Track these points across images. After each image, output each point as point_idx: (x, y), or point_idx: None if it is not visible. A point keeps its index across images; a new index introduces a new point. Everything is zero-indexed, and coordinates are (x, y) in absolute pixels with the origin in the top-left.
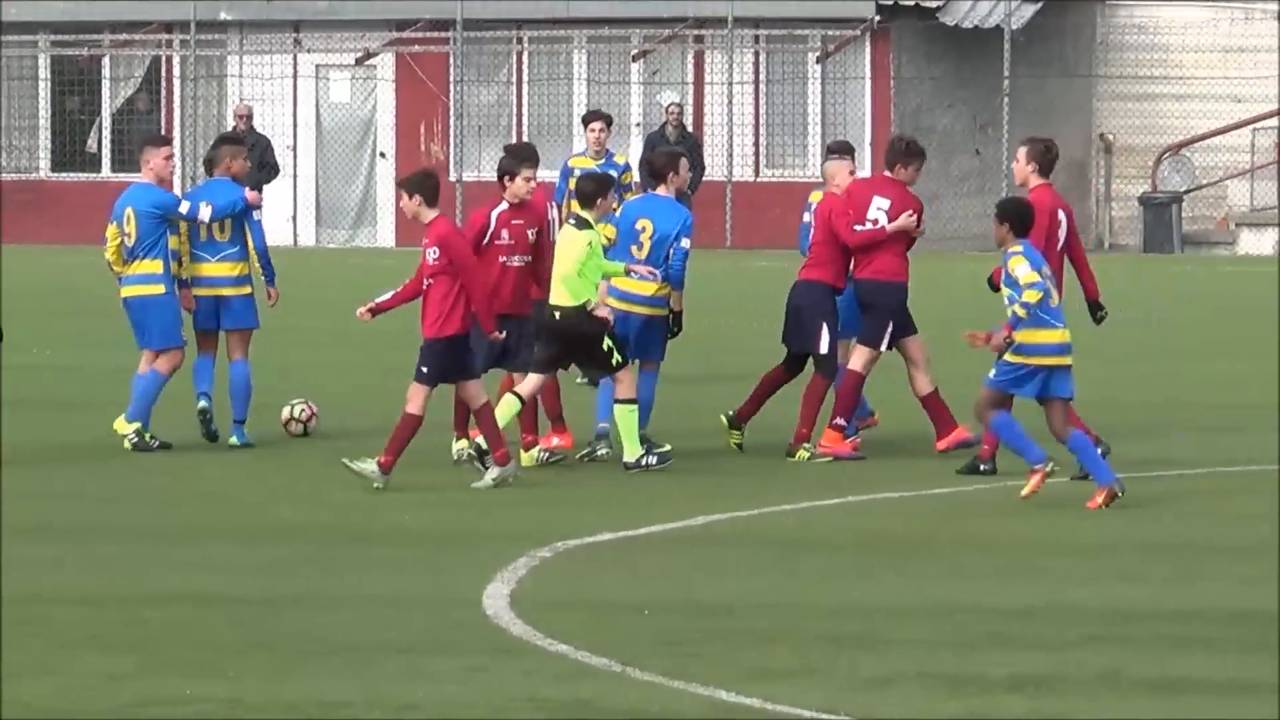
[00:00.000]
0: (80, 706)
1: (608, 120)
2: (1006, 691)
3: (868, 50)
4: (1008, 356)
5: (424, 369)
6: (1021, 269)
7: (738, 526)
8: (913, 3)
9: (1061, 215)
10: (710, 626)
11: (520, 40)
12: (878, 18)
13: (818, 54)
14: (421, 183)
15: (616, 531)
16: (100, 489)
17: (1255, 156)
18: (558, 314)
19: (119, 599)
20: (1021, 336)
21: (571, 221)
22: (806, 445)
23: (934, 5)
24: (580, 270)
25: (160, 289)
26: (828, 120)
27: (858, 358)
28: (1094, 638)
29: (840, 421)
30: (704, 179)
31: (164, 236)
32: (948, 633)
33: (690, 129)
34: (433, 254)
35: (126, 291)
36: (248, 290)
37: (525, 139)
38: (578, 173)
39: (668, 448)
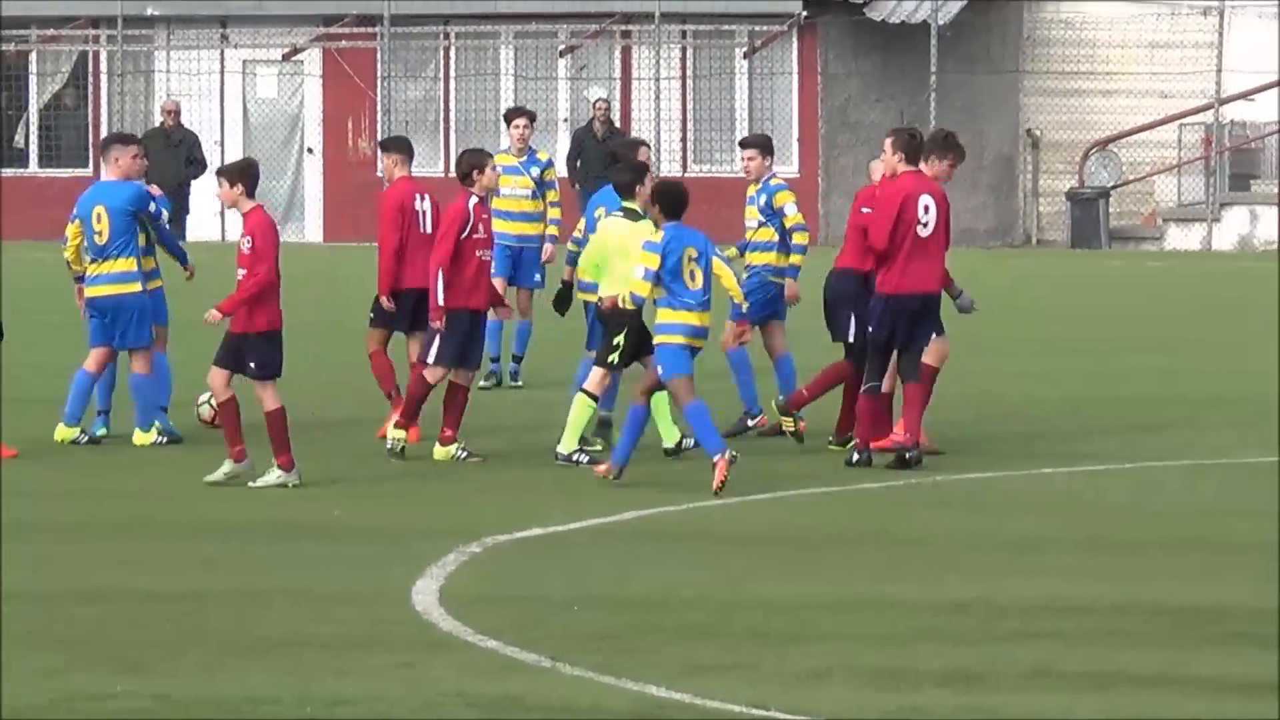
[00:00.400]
0: (10, 703)
1: (531, 117)
2: (937, 686)
3: (795, 46)
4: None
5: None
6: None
7: (668, 521)
8: None
9: (927, 201)
10: (640, 622)
11: (447, 36)
12: (805, 13)
13: (745, 49)
14: (242, 172)
15: (546, 527)
16: (30, 486)
17: (1182, 152)
18: (604, 303)
19: (48, 595)
20: (662, 316)
21: (619, 213)
22: (798, 416)
23: (861, 1)
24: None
25: (136, 287)
26: (755, 116)
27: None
28: (1024, 632)
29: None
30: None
31: (135, 234)
32: (878, 627)
33: (618, 124)
34: (246, 243)
35: (95, 291)
36: (158, 284)
37: (453, 135)
38: (502, 170)
39: (599, 447)
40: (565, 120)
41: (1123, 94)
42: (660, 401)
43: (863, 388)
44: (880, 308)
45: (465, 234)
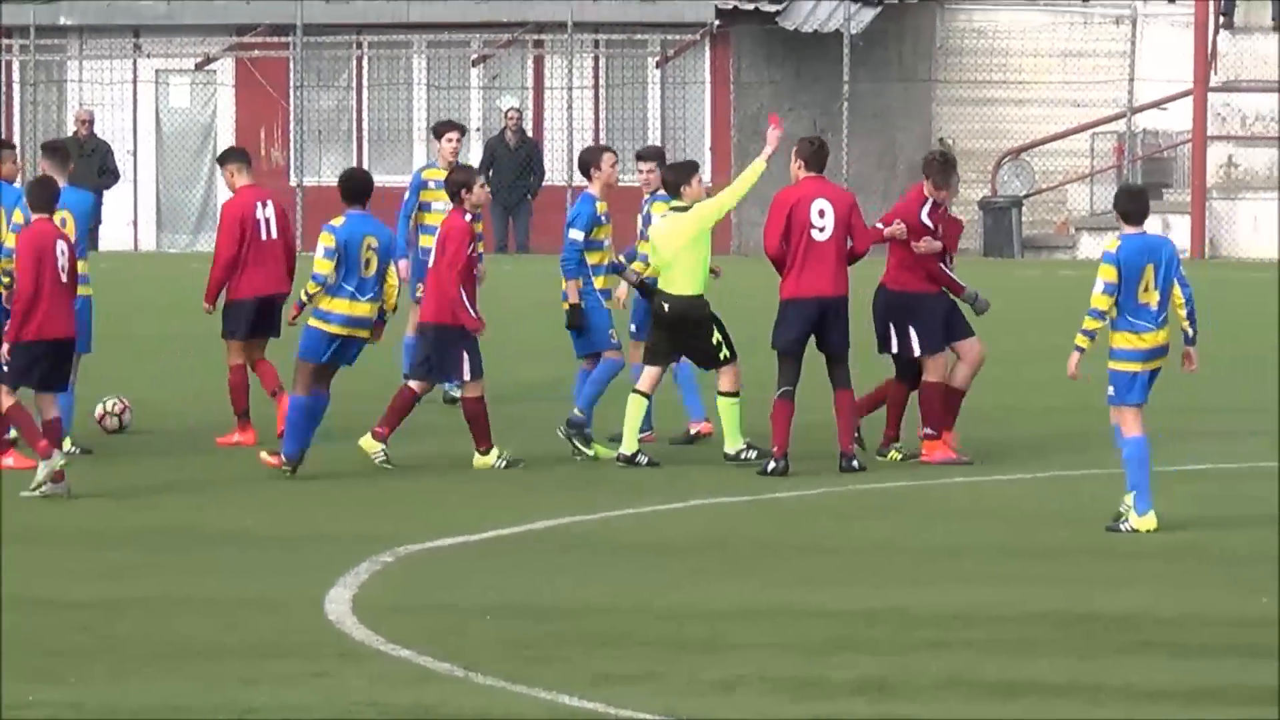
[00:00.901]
0: None
1: (462, 130)
2: (849, 695)
3: (707, 55)
4: None
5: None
6: None
7: (580, 530)
8: (752, 7)
9: (822, 206)
10: (553, 631)
11: (360, 45)
12: (717, 22)
13: (657, 59)
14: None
15: (458, 536)
16: None
17: (1095, 161)
18: (668, 304)
19: None
20: None
21: (671, 213)
22: (897, 445)
23: (773, 10)
24: (695, 260)
25: (90, 290)
26: (667, 125)
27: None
28: (937, 641)
29: (929, 431)
30: (544, 184)
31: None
32: (790, 637)
33: (530, 134)
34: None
35: None
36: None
37: (365, 144)
38: (431, 185)
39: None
40: (478, 130)
41: (1035, 103)
42: (727, 408)
43: (776, 393)
44: (781, 313)
45: (470, 252)
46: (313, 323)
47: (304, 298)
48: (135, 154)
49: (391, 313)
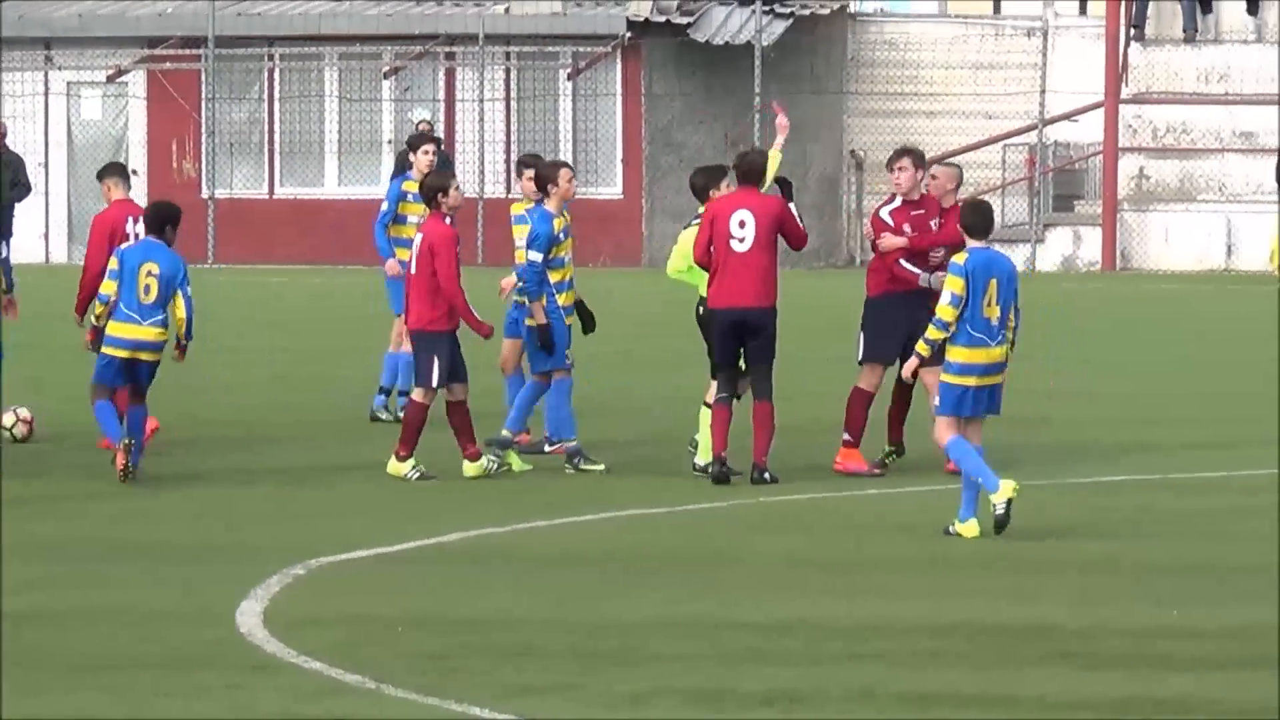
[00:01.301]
0: None
1: (438, 143)
2: (761, 706)
3: (619, 67)
4: None
5: None
6: None
7: (493, 542)
8: (664, 19)
9: (743, 216)
10: (465, 643)
11: (272, 57)
12: (629, 34)
13: (569, 71)
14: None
15: (370, 548)
16: None
17: (1006, 173)
18: (703, 309)
19: None
20: None
21: (696, 222)
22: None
23: (685, 22)
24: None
25: None
26: (579, 137)
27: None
28: (849, 653)
29: (847, 438)
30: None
31: None
32: (703, 648)
33: (442, 146)
34: None
35: None
36: None
37: (277, 156)
38: (410, 197)
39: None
40: (389, 142)
41: (947, 115)
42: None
43: (714, 399)
44: (710, 322)
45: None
46: (103, 348)
47: (94, 320)
48: (46, 167)
49: (186, 338)
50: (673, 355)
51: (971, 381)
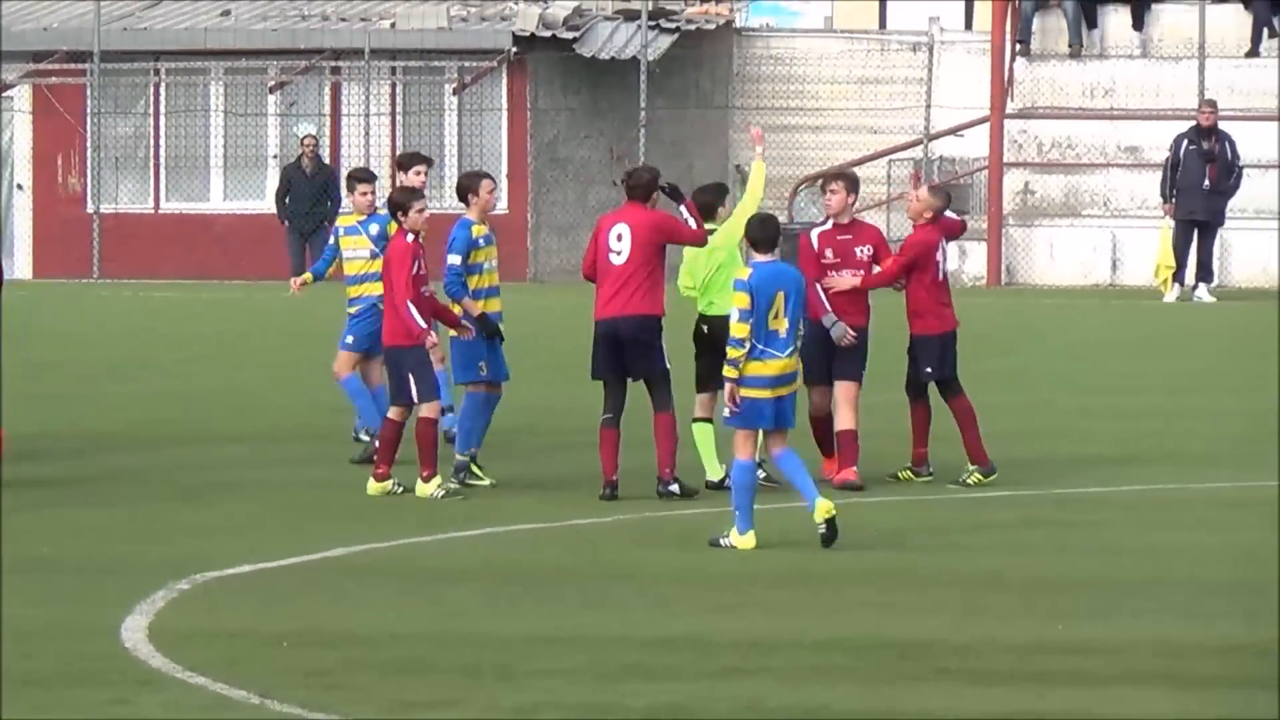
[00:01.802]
0: None
1: (429, 163)
2: None
3: (504, 82)
4: None
5: None
6: None
7: (377, 557)
8: (549, 34)
9: (620, 230)
10: (349, 658)
11: (158, 72)
12: (514, 49)
13: (455, 85)
14: None
15: (255, 563)
16: None
17: (891, 188)
18: (708, 326)
19: None
20: None
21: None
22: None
23: (570, 37)
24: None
25: None
26: (465, 152)
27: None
28: (734, 669)
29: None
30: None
31: None
32: (587, 664)
33: (327, 161)
34: None
35: None
36: None
37: (163, 171)
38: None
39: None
40: (275, 157)
41: (832, 129)
42: (703, 433)
43: (601, 421)
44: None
45: (414, 270)
46: None
47: None
48: None
49: None
50: (559, 370)
51: (765, 394)
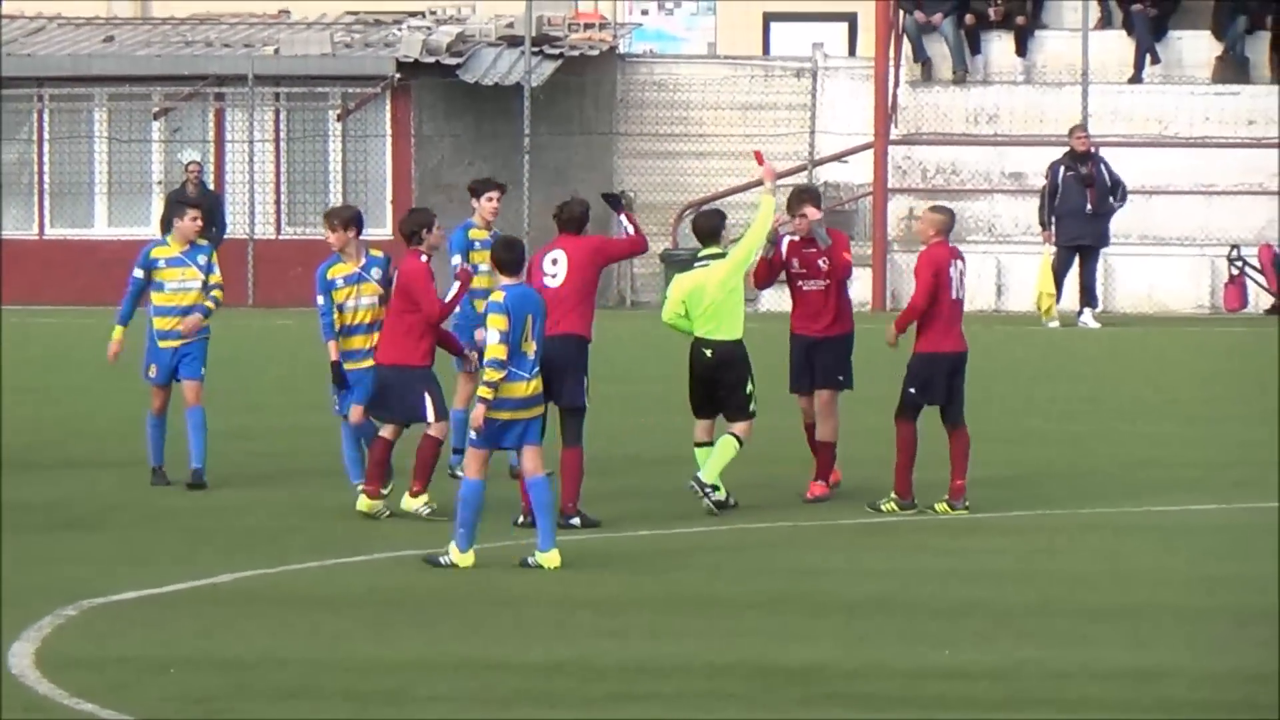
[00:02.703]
0: None
1: (502, 189)
2: None
3: (388, 108)
4: None
5: None
6: None
7: (263, 583)
8: (433, 60)
9: (555, 255)
10: (236, 683)
11: (41, 98)
12: (398, 75)
13: (338, 112)
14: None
15: (140, 590)
16: None
17: (776, 214)
18: (711, 350)
19: None
20: None
21: (704, 263)
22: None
23: (454, 63)
24: (736, 304)
25: None
26: (349, 178)
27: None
28: (622, 694)
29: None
30: (225, 237)
31: None
32: (473, 690)
33: (211, 187)
34: None
35: None
36: None
37: (47, 197)
38: (478, 245)
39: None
40: (159, 183)
41: (717, 155)
42: (729, 447)
43: None
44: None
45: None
46: None
47: None
48: None
49: None
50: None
51: (506, 415)
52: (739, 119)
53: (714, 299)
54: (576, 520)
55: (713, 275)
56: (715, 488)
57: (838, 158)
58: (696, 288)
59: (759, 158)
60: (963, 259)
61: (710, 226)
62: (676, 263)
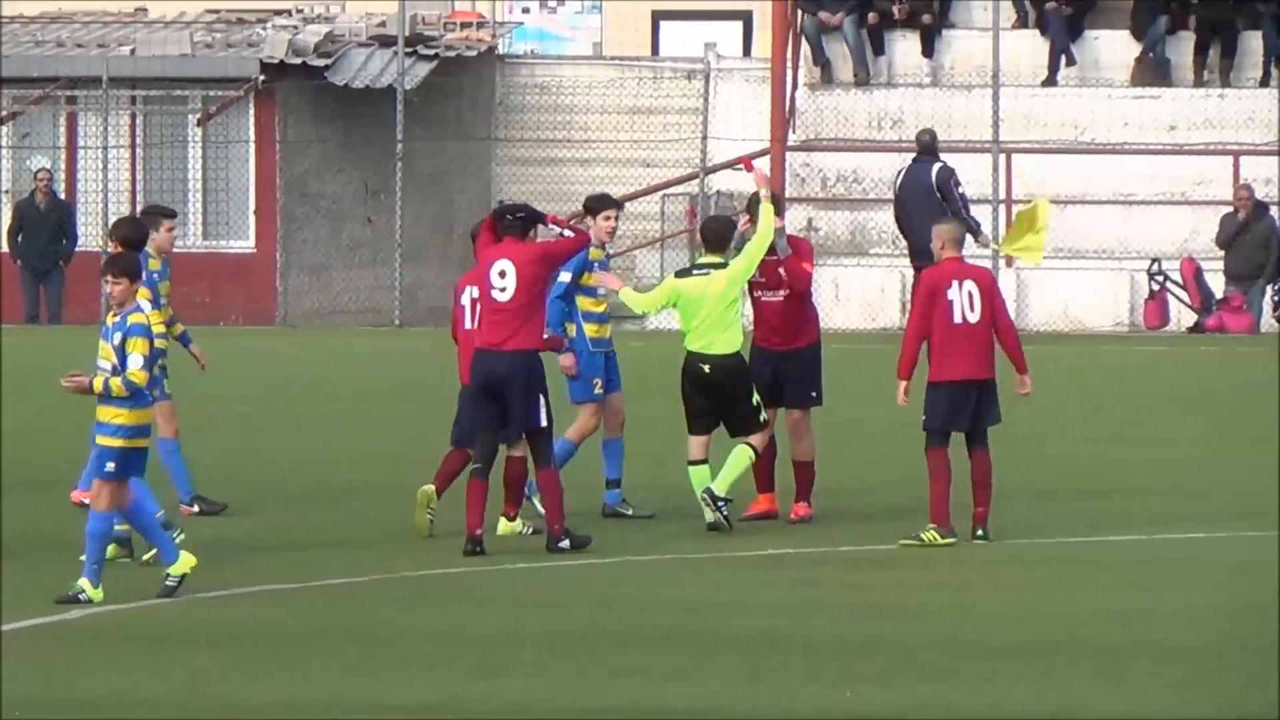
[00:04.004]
0: None
1: (619, 206)
2: None
3: (251, 112)
4: None
5: None
6: None
7: (119, 620)
8: (299, 61)
9: (502, 267)
10: None
11: None
12: (262, 77)
13: (198, 116)
14: None
15: None
16: None
17: (666, 224)
18: (708, 365)
19: None
20: None
21: (699, 272)
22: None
23: (322, 64)
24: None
25: None
26: (209, 186)
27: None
28: None
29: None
30: (77, 249)
31: None
32: None
33: (62, 195)
34: None
35: None
36: None
37: None
38: (596, 266)
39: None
40: (7, 192)
41: (602, 162)
42: (743, 457)
43: (470, 470)
44: None
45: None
46: None
47: None
48: None
49: None
50: (303, 416)
51: (140, 442)
52: (626, 124)
53: (711, 312)
54: (565, 543)
55: (713, 286)
56: (729, 500)
57: (731, 165)
58: (695, 298)
59: (747, 164)
60: (979, 276)
61: (720, 233)
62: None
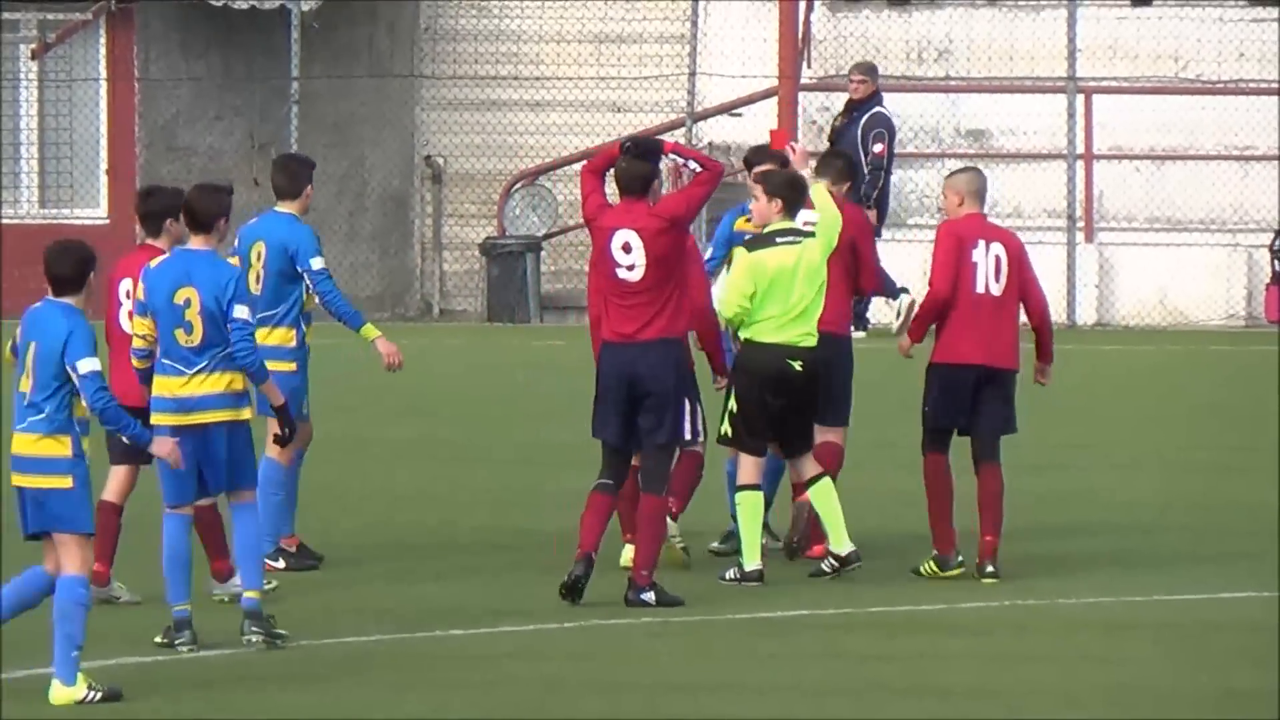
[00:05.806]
0: None
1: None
2: None
3: (102, 42)
4: None
5: None
6: None
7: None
8: None
9: (628, 237)
10: None
11: None
12: None
13: (33, 46)
14: None
15: None
16: None
17: None
18: (799, 362)
19: None
20: None
21: (792, 240)
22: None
23: None
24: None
25: None
26: (47, 139)
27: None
28: None
29: None
30: None
31: None
32: None
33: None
34: None
35: None
36: None
37: None
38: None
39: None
40: None
41: (559, 106)
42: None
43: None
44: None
45: None
46: None
47: None
48: None
49: None
50: None
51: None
52: (590, 55)
53: (806, 293)
54: (650, 594)
55: (807, 256)
56: (859, 555)
57: (727, 109)
58: (781, 272)
59: (777, 138)
60: (1006, 239)
61: (797, 189)
62: (502, 256)
